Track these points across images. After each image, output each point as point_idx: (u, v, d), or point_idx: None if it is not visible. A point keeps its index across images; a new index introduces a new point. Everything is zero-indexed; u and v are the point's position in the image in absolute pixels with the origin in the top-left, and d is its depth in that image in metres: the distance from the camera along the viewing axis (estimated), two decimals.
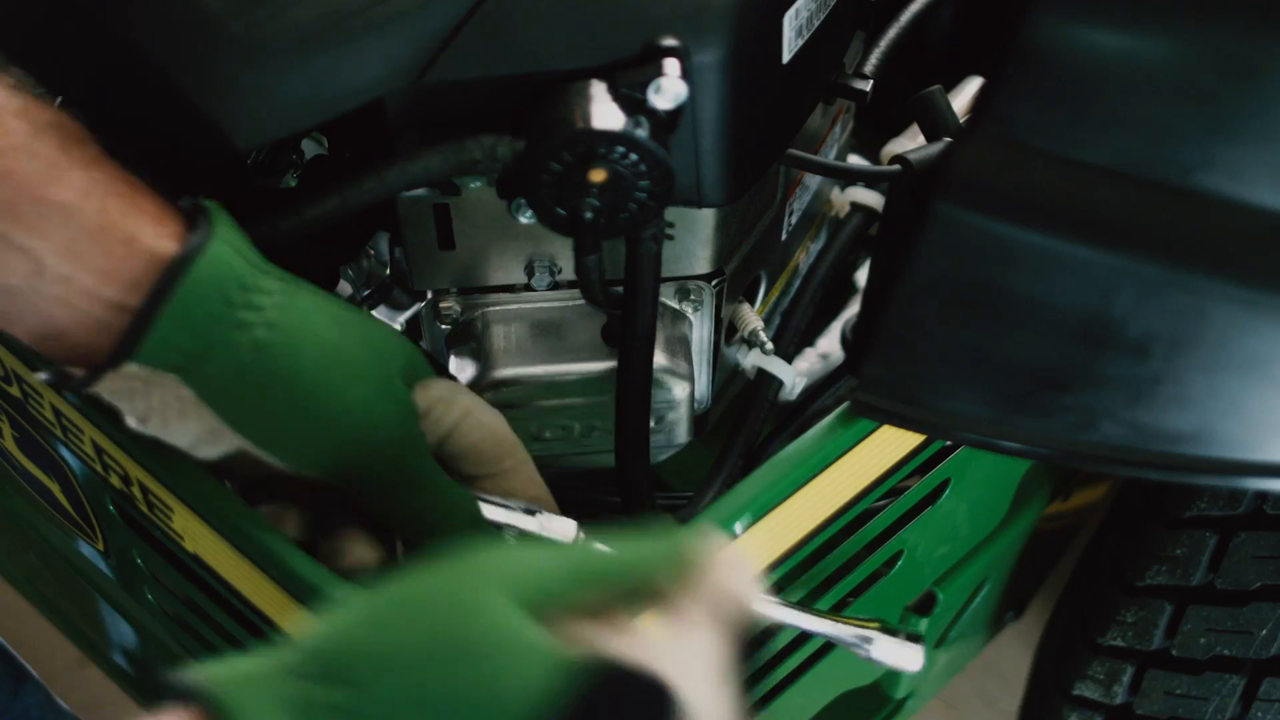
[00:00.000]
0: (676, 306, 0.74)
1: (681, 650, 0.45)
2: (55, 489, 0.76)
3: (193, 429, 0.55)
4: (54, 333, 0.54)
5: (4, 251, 0.52)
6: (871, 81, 0.76)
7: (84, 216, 0.53)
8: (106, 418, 0.59)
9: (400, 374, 0.58)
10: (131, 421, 0.56)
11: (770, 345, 0.79)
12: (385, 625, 0.43)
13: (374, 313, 0.78)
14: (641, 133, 0.55)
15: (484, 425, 0.61)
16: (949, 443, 0.66)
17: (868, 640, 0.56)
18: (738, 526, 0.58)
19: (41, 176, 0.52)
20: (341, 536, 0.59)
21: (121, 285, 0.53)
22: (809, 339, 0.96)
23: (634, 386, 0.68)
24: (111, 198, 0.53)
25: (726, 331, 0.79)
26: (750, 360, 0.79)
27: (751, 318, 0.79)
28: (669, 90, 0.56)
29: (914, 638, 0.57)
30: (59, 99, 0.61)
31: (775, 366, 0.78)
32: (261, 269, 0.54)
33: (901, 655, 0.56)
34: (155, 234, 0.53)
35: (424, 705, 0.41)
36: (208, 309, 0.53)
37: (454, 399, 0.60)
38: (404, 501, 0.58)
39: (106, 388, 0.54)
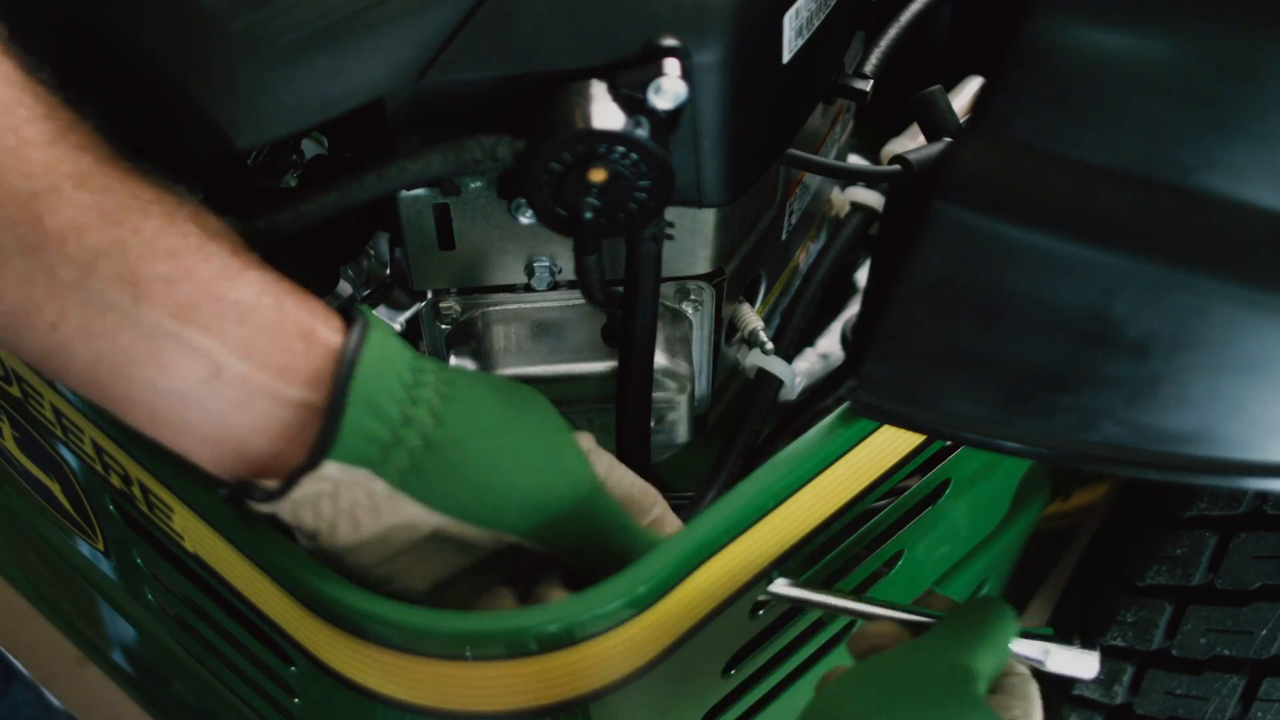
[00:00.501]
0: (677, 306, 0.74)
1: None
2: (55, 489, 0.76)
3: (386, 523, 0.53)
4: (231, 439, 0.52)
5: (179, 355, 0.50)
6: (872, 81, 0.76)
7: (261, 314, 0.52)
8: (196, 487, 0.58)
9: (561, 427, 0.59)
10: (310, 538, 0.54)
11: (770, 345, 0.79)
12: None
13: (374, 312, 0.78)
14: (641, 133, 0.55)
15: (629, 473, 0.62)
16: (949, 443, 0.66)
17: (1045, 654, 0.58)
18: None
19: (219, 275, 0.51)
20: (548, 595, 0.58)
21: (302, 381, 0.52)
22: (809, 339, 0.97)
23: (634, 386, 0.68)
24: (285, 295, 0.53)
25: (727, 331, 0.79)
26: (750, 360, 0.79)
27: (752, 318, 0.79)
28: (669, 90, 0.56)
29: (1089, 645, 0.59)
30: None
31: (775, 366, 0.78)
32: (413, 350, 0.55)
33: (1079, 665, 0.58)
34: (327, 327, 0.53)
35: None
36: (389, 393, 0.52)
37: (597, 449, 0.61)
38: (605, 548, 0.58)
39: (295, 497, 0.52)
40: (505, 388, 0.58)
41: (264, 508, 0.53)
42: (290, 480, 0.52)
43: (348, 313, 0.55)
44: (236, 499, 0.54)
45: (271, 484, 0.52)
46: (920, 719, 0.51)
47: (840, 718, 0.51)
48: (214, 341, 0.51)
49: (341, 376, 0.52)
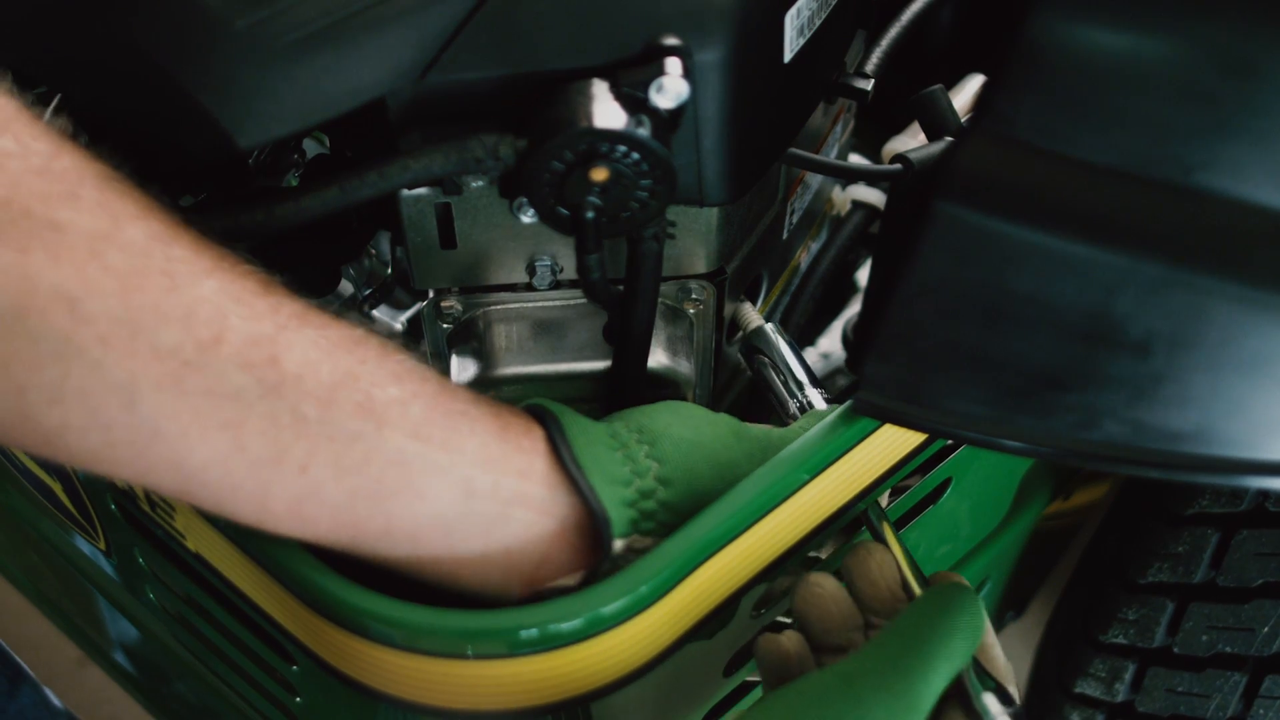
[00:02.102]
0: (678, 306, 0.74)
1: None
2: (56, 488, 0.76)
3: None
4: (497, 553, 0.53)
5: (431, 476, 0.51)
6: (873, 80, 0.76)
7: (483, 421, 0.53)
8: None
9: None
10: None
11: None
12: None
13: (375, 312, 0.78)
14: (643, 132, 0.55)
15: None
16: (950, 441, 0.66)
17: None
18: None
19: (440, 392, 0.52)
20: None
21: (540, 479, 0.53)
22: (810, 338, 0.96)
23: (629, 383, 0.69)
24: (485, 399, 0.54)
25: (728, 330, 0.79)
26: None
27: (753, 316, 0.79)
28: (671, 89, 0.56)
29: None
30: (58, 97, 0.62)
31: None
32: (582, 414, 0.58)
33: None
34: (521, 418, 0.55)
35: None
36: (614, 458, 0.55)
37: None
38: None
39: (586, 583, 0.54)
40: (680, 407, 0.61)
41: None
42: (589, 577, 0.54)
43: (533, 407, 0.57)
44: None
45: (569, 581, 0.54)
46: None
47: None
48: (457, 457, 0.51)
49: (575, 459, 0.54)
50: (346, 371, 0.49)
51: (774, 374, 0.74)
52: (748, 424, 0.63)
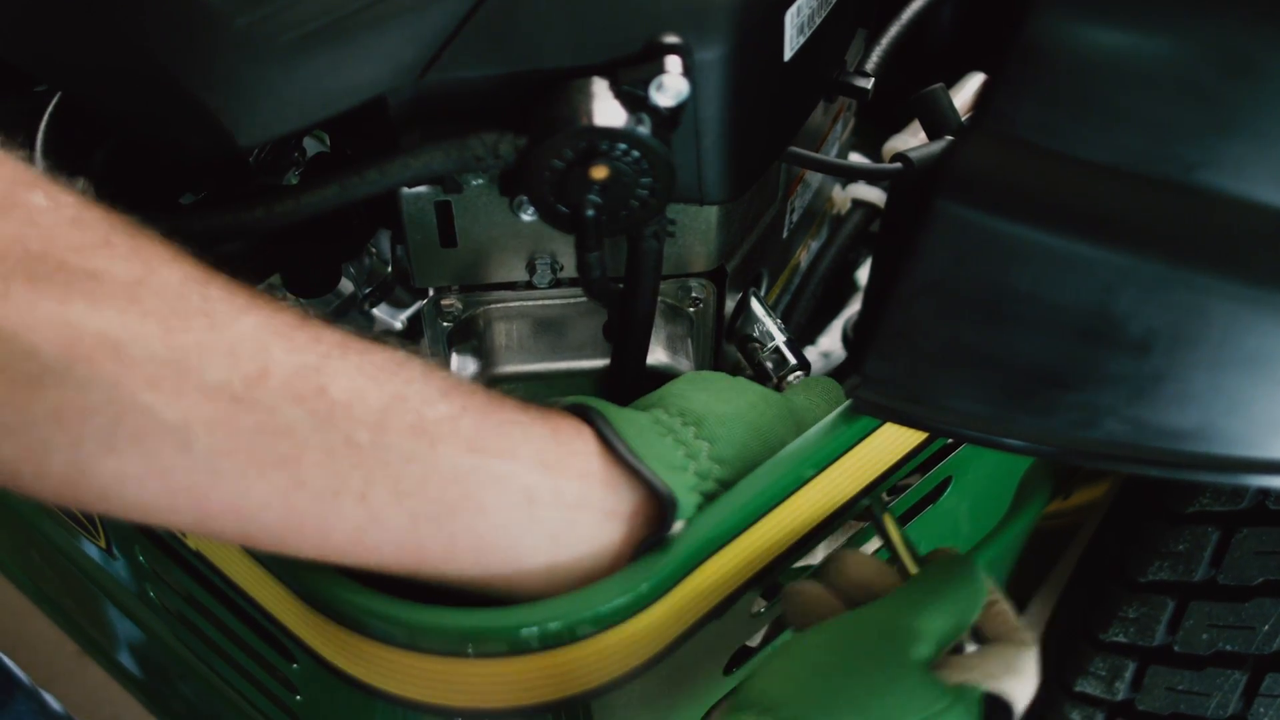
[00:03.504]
0: (678, 304, 0.74)
1: None
2: None
3: None
4: (564, 560, 0.53)
5: (490, 488, 0.50)
6: (873, 79, 0.76)
7: (535, 427, 0.52)
8: None
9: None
10: None
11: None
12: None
13: (375, 311, 0.78)
14: (643, 130, 0.56)
15: None
16: (950, 440, 0.66)
17: None
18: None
19: (488, 403, 0.52)
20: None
21: (600, 481, 0.53)
22: (810, 337, 0.97)
23: (629, 381, 0.69)
24: (533, 407, 0.54)
25: (727, 328, 0.79)
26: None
27: (764, 318, 0.79)
28: (671, 88, 0.56)
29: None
30: (58, 96, 0.62)
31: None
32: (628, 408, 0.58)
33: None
34: (570, 420, 0.55)
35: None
36: (665, 443, 0.55)
37: None
38: None
39: None
40: (702, 379, 0.62)
41: None
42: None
43: (575, 407, 0.57)
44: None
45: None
46: (842, 692, 0.49)
47: (760, 700, 0.50)
48: (515, 465, 0.51)
49: (631, 451, 0.53)
50: (394, 394, 0.49)
51: (760, 351, 0.75)
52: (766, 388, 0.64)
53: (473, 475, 0.50)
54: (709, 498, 0.56)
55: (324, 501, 0.48)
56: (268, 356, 0.47)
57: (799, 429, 0.61)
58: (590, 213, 0.58)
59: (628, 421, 0.56)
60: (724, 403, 0.60)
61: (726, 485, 0.57)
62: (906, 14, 0.80)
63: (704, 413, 0.58)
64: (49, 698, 0.84)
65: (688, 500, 0.55)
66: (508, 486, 0.51)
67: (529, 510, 0.51)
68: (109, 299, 0.44)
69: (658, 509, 0.54)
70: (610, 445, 0.54)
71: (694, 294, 0.73)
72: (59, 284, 0.43)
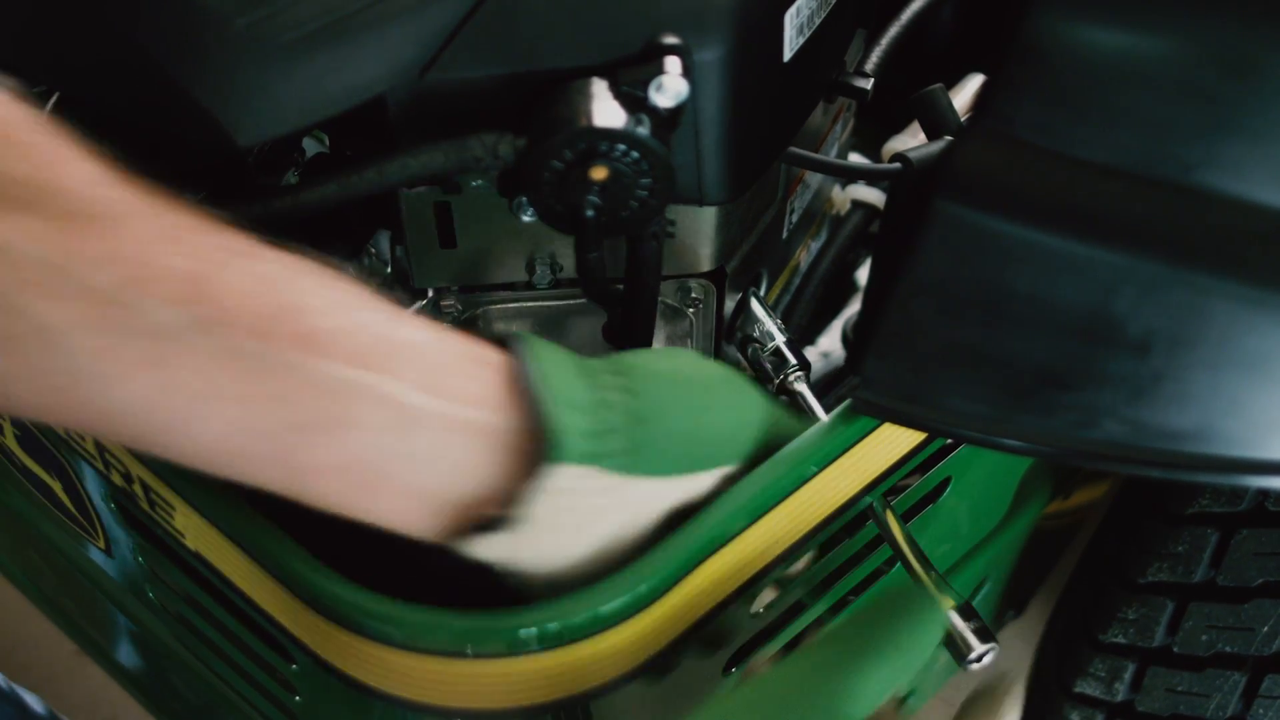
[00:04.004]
0: (677, 305, 0.74)
1: None
2: (56, 487, 0.76)
3: (629, 513, 0.54)
4: (435, 485, 0.50)
5: (367, 404, 0.48)
6: (872, 79, 0.76)
7: (434, 349, 0.51)
8: None
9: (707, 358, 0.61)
10: (535, 558, 0.53)
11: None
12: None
13: None
14: (643, 131, 0.56)
15: None
16: (950, 440, 0.66)
17: None
18: None
19: (386, 320, 0.50)
20: None
21: (493, 406, 0.50)
22: (810, 337, 0.96)
23: None
24: (441, 329, 0.52)
25: (727, 329, 0.79)
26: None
27: (764, 318, 0.79)
28: (670, 88, 0.56)
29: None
30: (56, 95, 0.62)
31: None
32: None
33: None
34: (490, 351, 0.52)
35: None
36: (578, 386, 0.52)
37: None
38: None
39: (533, 516, 0.51)
40: (669, 350, 0.60)
41: (493, 546, 0.51)
42: (524, 498, 0.50)
43: (501, 338, 0.54)
44: (455, 546, 0.52)
45: (502, 512, 0.51)
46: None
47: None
48: (399, 383, 0.49)
49: (534, 383, 0.50)
50: (288, 304, 0.48)
51: (760, 351, 0.75)
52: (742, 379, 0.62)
53: (351, 389, 0.48)
54: (613, 454, 0.52)
55: (196, 404, 0.47)
56: (155, 264, 0.46)
57: (773, 433, 0.59)
58: (590, 213, 0.58)
59: (548, 354, 0.53)
60: (665, 364, 0.57)
61: (641, 450, 0.53)
62: (906, 14, 0.80)
63: (637, 367, 0.55)
64: (31, 699, 0.84)
65: (577, 444, 0.50)
66: (384, 404, 0.49)
67: (402, 430, 0.49)
68: (5, 200, 0.44)
69: (538, 446, 0.51)
70: (515, 372, 0.51)
71: (694, 294, 0.73)
72: None
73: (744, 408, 0.59)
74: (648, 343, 0.67)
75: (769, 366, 0.75)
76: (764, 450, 0.59)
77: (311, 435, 0.48)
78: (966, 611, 0.60)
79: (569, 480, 0.51)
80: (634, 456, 0.53)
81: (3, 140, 0.45)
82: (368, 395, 0.48)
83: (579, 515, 0.53)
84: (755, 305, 0.76)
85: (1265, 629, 0.81)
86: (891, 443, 0.62)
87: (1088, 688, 0.91)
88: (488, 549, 0.52)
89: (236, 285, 0.47)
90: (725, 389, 0.58)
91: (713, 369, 0.59)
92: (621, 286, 0.65)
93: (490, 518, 0.51)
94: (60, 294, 0.45)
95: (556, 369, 0.52)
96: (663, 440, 0.54)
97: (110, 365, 0.46)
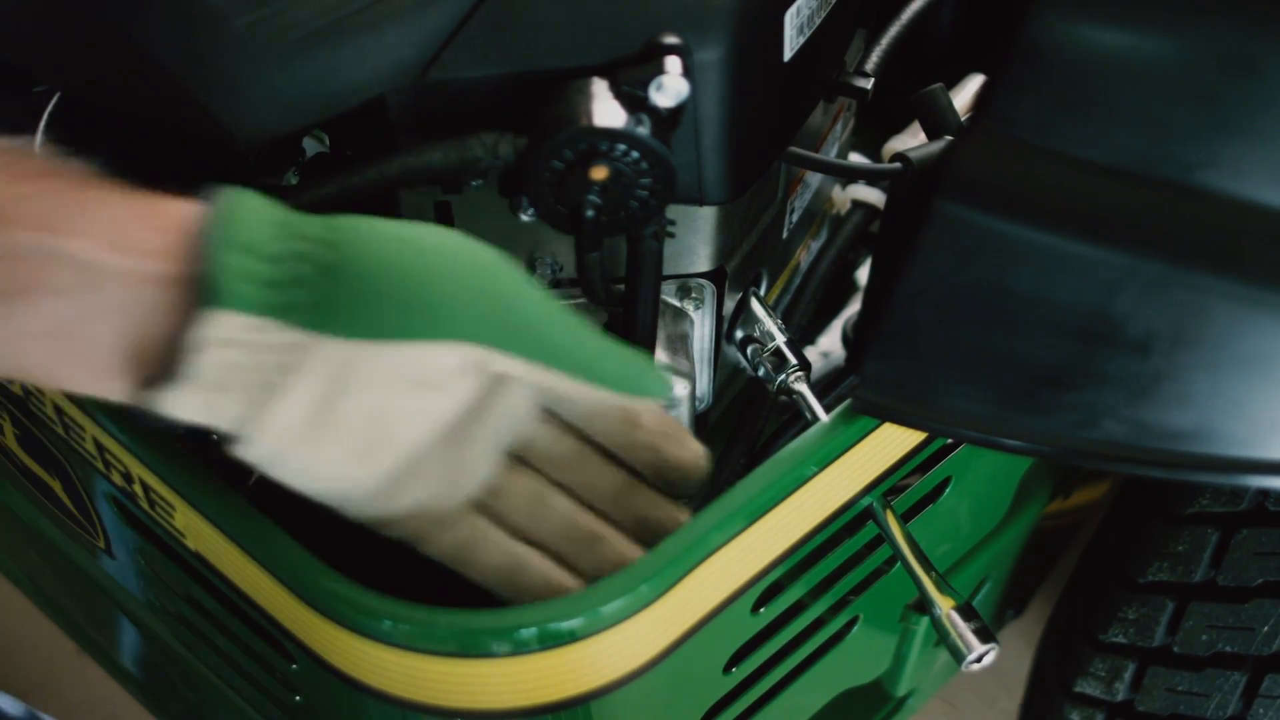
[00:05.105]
0: (678, 304, 0.74)
1: None
2: (56, 487, 0.76)
3: (320, 377, 0.49)
4: (126, 346, 0.48)
5: (53, 266, 0.47)
6: (873, 79, 0.76)
7: (124, 207, 0.49)
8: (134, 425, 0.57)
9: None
10: (241, 433, 0.49)
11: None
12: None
13: None
14: (643, 130, 0.55)
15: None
16: (950, 440, 0.66)
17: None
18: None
19: (76, 184, 0.49)
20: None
21: (168, 256, 0.48)
22: (810, 337, 0.96)
23: None
24: (141, 190, 0.49)
25: (728, 329, 0.79)
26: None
27: (765, 317, 0.79)
28: (670, 88, 0.56)
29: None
30: (58, 95, 0.62)
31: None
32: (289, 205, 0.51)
33: None
34: (186, 205, 0.49)
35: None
36: (264, 233, 0.48)
37: None
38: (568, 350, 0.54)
39: (205, 375, 0.47)
40: (400, 221, 0.54)
41: (179, 403, 0.48)
42: (182, 350, 0.47)
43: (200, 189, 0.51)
44: (145, 413, 0.49)
45: (170, 360, 0.48)
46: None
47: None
48: (84, 242, 0.47)
49: (207, 230, 0.48)
50: None
51: (761, 351, 0.75)
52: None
53: (38, 255, 0.47)
54: (299, 307, 0.49)
55: None
56: None
57: (512, 319, 0.53)
58: (590, 213, 0.58)
59: (246, 204, 0.50)
60: (397, 229, 0.52)
61: (330, 305, 0.49)
62: (906, 14, 0.80)
63: (355, 225, 0.51)
64: (6, 701, 0.83)
65: (247, 291, 0.47)
66: (71, 265, 0.47)
67: (89, 290, 0.47)
68: None
69: (202, 288, 0.48)
70: (199, 221, 0.49)
71: (694, 294, 0.73)
72: None
73: (481, 277, 0.52)
74: (650, 343, 0.67)
75: (769, 366, 0.75)
76: (516, 337, 0.52)
77: (7, 304, 0.48)
78: (966, 611, 0.60)
79: (237, 331, 0.48)
80: (322, 312, 0.49)
81: None
82: (54, 258, 0.47)
83: (262, 374, 0.49)
84: (755, 305, 0.76)
85: (1265, 629, 0.81)
86: (891, 443, 0.62)
87: (1088, 687, 0.91)
88: (178, 407, 0.48)
89: None
90: (459, 256, 0.52)
91: (453, 237, 0.53)
92: (621, 286, 0.65)
93: (157, 371, 0.48)
94: None
95: (247, 218, 0.49)
96: (360, 297, 0.49)
97: None
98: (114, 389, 0.50)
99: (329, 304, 0.49)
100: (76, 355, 0.49)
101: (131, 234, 0.48)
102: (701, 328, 0.75)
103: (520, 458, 0.58)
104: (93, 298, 0.48)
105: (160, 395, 0.48)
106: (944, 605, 0.60)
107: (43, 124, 0.65)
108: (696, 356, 0.75)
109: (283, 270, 0.48)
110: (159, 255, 0.48)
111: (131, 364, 0.49)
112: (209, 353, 0.47)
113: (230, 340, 0.48)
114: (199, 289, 0.47)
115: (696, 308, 0.74)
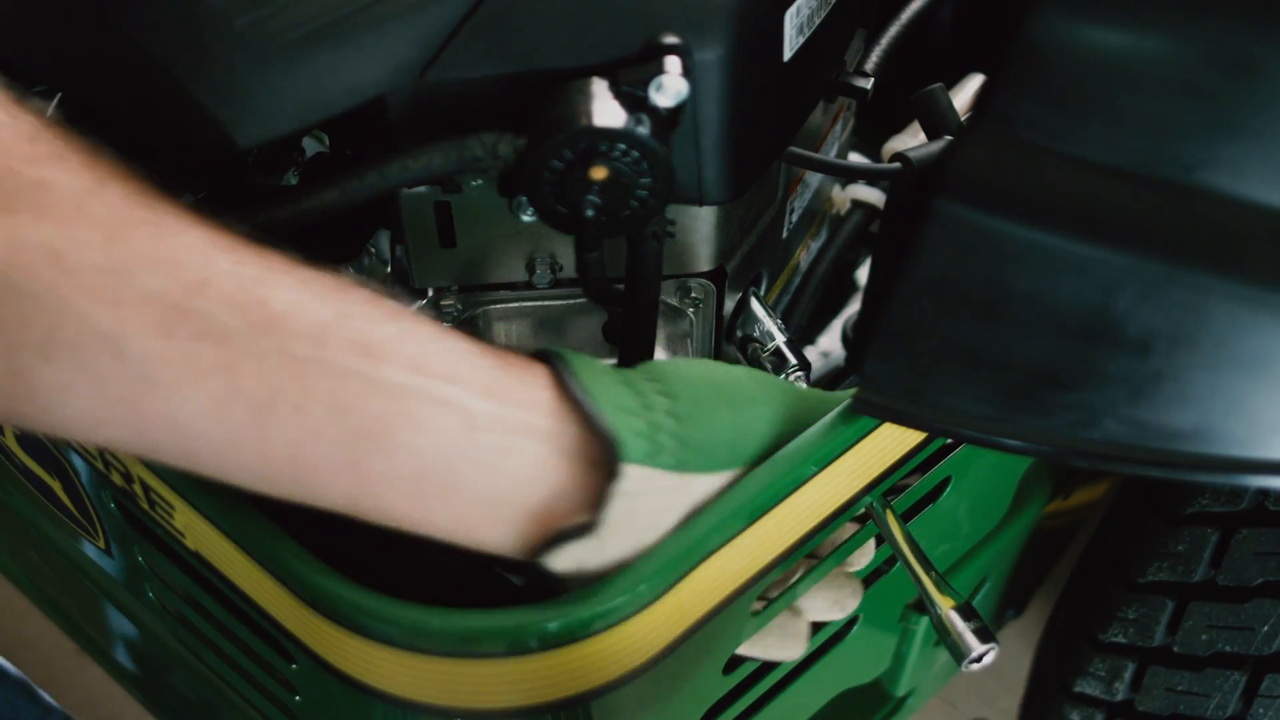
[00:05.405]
0: (677, 304, 0.74)
1: None
2: (56, 486, 0.76)
3: (679, 513, 0.55)
4: (504, 491, 0.51)
5: (430, 408, 0.49)
6: (873, 79, 0.76)
7: (484, 356, 0.51)
8: None
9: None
10: (602, 563, 0.53)
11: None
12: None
13: None
14: (643, 130, 0.55)
15: None
16: (950, 440, 0.66)
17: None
18: None
19: (435, 330, 0.51)
20: None
21: (547, 411, 0.51)
22: (810, 337, 0.96)
23: None
24: (479, 341, 0.52)
25: (727, 329, 0.79)
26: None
27: (765, 317, 0.79)
28: (670, 88, 0.56)
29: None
30: (58, 96, 0.62)
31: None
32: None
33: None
34: (526, 358, 0.53)
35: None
36: (621, 390, 0.53)
37: None
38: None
39: (607, 520, 0.52)
40: (684, 359, 0.62)
41: (572, 553, 0.52)
42: (604, 502, 0.51)
43: (535, 351, 0.55)
44: (533, 566, 0.52)
45: (581, 518, 0.51)
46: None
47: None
48: (457, 389, 0.49)
49: (583, 389, 0.51)
50: (338, 311, 0.48)
51: (760, 351, 0.75)
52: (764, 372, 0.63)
53: (414, 394, 0.49)
54: (663, 451, 0.54)
55: (260, 412, 0.47)
56: (210, 267, 0.46)
57: (801, 414, 0.60)
58: (590, 213, 0.58)
59: (586, 365, 0.54)
60: (696, 369, 0.58)
61: (688, 445, 0.55)
62: (906, 14, 0.81)
63: (671, 372, 0.57)
64: (43, 694, 0.84)
65: (635, 444, 0.52)
66: (449, 408, 0.49)
67: (470, 434, 0.49)
68: (54, 209, 0.44)
69: (602, 449, 0.52)
70: (561, 382, 0.52)
71: (694, 294, 0.73)
72: (7, 193, 0.44)
73: (774, 400, 0.59)
74: (649, 343, 0.67)
75: (769, 366, 0.75)
76: (799, 433, 0.60)
77: (378, 442, 0.48)
78: (966, 611, 0.60)
79: (635, 482, 0.52)
80: (685, 454, 0.54)
81: (57, 156, 0.46)
82: (431, 400, 0.49)
83: (647, 516, 0.53)
84: (755, 305, 0.76)
85: (1265, 629, 0.81)
86: (891, 443, 0.62)
87: (1088, 687, 0.91)
88: (564, 559, 0.52)
89: (290, 293, 0.48)
90: (753, 385, 0.59)
91: (736, 369, 0.60)
92: (621, 286, 0.65)
93: (571, 526, 0.51)
94: (121, 299, 0.44)
95: (598, 376, 0.53)
96: (707, 436, 0.55)
97: (174, 371, 0.45)
98: (491, 536, 0.52)
99: (686, 446, 0.54)
100: (448, 499, 0.50)
101: (499, 383, 0.51)
102: (701, 328, 0.75)
103: None
104: (472, 443, 0.50)
105: (562, 548, 0.51)
106: (944, 605, 0.60)
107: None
108: (696, 356, 0.75)
109: (648, 422, 0.53)
110: (533, 407, 0.51)
111: (518, 515, 0.52)
112: (618, 505, 0.51)
113: (630, 491, 0.52)
114: (606, 447, 0.51)
115: (696, 308, 0.74)
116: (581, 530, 0.51)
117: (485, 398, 0.50)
